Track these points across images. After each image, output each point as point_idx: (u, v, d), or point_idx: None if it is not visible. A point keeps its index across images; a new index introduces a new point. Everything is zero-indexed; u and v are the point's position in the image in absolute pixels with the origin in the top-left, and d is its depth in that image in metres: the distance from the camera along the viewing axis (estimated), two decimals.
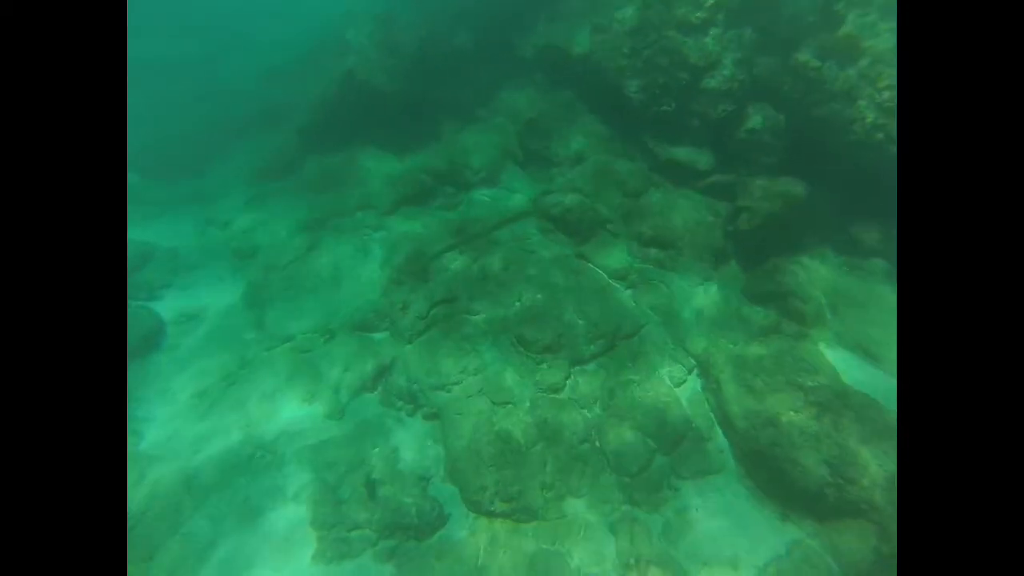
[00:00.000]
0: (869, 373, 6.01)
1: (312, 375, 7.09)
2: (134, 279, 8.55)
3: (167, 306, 8.40)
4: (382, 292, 7.75)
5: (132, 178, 11.65)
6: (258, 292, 8.37)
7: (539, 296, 7.17)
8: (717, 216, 7.95)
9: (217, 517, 5.64)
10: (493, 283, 7.46)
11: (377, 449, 6.38)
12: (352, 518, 5.65)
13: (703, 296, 7.31)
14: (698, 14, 8.17)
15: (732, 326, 6.84)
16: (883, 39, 6.72)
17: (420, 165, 10.03)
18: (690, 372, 6.66)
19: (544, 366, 6.73)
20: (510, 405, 6.47)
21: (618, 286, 7.46)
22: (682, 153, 8.55)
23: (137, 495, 5.82)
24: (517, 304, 7.17)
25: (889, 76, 6.53)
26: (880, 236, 7.09)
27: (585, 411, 6.40)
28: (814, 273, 6.90)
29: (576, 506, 5.71)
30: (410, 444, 6.49)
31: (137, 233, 9.56)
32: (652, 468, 5.89)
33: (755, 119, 8.08)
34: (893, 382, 5.71)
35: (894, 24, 6.67)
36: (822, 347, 6.07)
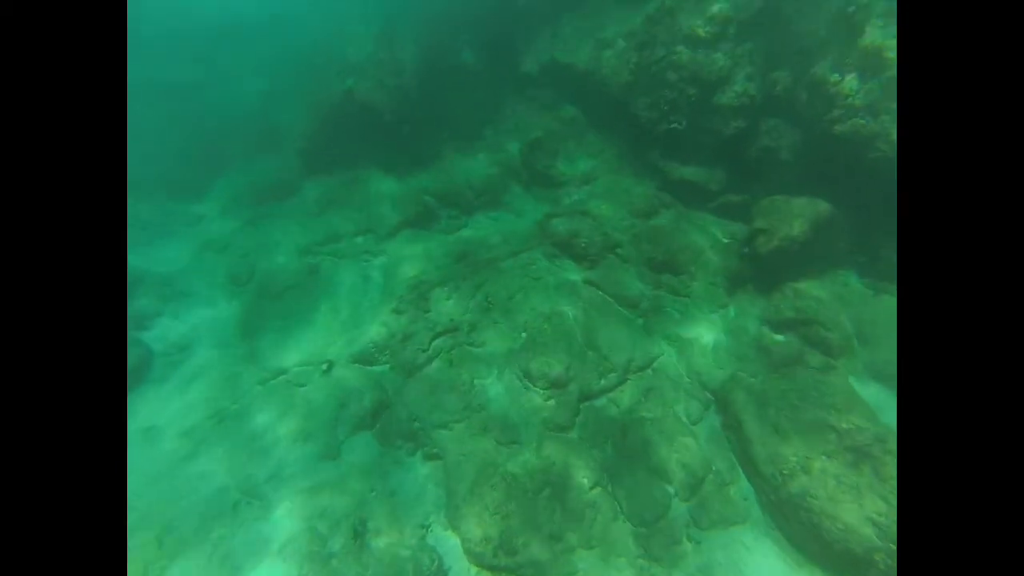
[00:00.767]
0: None
1: (306, 411, 6.70)
2: None
3: (157, 336, 8.07)
4: (382, 322, 7.37)
5: (128, 200, 11.44)
6: (252, 321, 8.03)
7: (546, 326, 6.76)
8: (732, 238, 7.56)
9: None
10: (498, 312, 7.07)
11: (374, 493, 5.96)
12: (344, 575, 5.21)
13: (719, 324, 6.87)
14: (707, 28, 7.86)
15: (751, 357, 6.40)
16: None
17: (422, 186, 9.74)
18: (707, 408, 6.21)
19: (552, 402, 6.31)
20: (516, 445, 6.04)
21: (629, 314, 7.05)
22: (693, 172, 8.19)
23: None
24: (523, 335, 6.76)
25: None
26: None
27: (596, 451, 5.96)
28: (838, 298, 6.45)
29: (587, 560, 5.23)
30: (409, 487, 6.06)
31: (130, 259, 9.28)
32: (670, 516, 5.41)
33: (769, 136, 7.72)
34: None
35: None
36: (852, 381, 5.59)
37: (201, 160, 12.07)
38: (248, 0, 16.43)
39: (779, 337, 6.45)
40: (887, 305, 6.50)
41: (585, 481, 5.67)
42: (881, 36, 6.41)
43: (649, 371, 6.53)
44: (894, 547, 4.37)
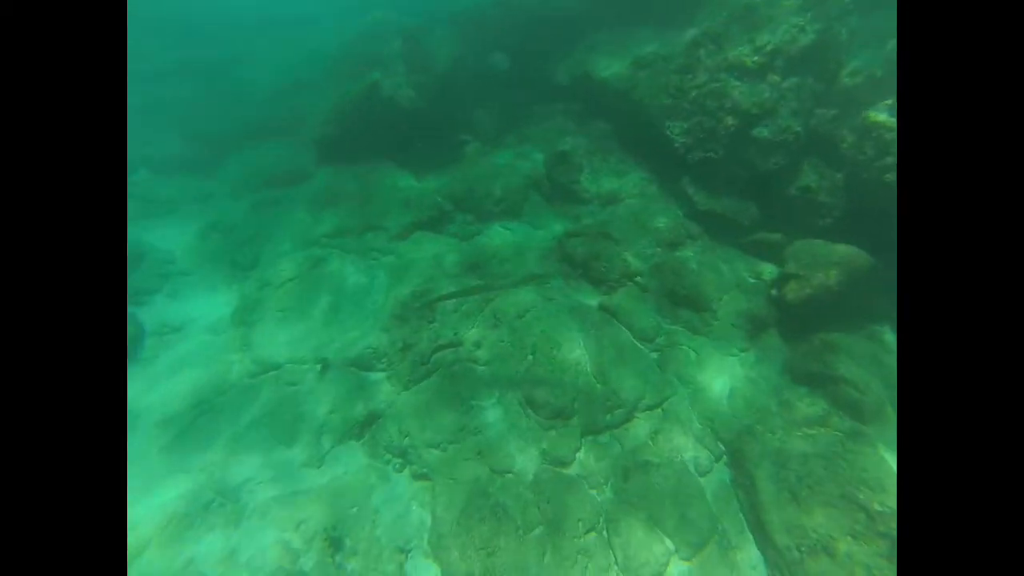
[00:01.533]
0: None
1: (294, 412, 6.36)
2: None
3: (151, 313, 7.79)
4: (383, 327, 7.02)
5: (142, 173, 11.23)
6: (250, 310, 7.71)
7: (555, 351, 6.38)
8: (759, 278, 7.15)
9: None
10: (505, 330, 6.70)
11: (355, 509, 5.59)
12: None
13: (738, 369, 6.46)
14: (755, 58, 7.51)
15: (770, 410, 5.97)
16: None
17: (439, 188, 9.42)
18: (718, 459, 5.79)
19: (553, 433, 5.92)
20: (510, 475, 5.66)
21: (643, 348, 6.66)
22: (724, 204, 7.81)
23: None
24: (530, 358, 6.39)
25: None
26: None
27: (594, 492, 5.56)
28: (872, 358, 6.02)
29: None
30: (393, 505, 5.68)
31: (135, 232, 9.02)
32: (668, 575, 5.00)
33: (810, 176, 7.34)
34: None
35: None
36: (883, 452, 5.15)
37: (218, 139, 11.88)
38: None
39: (803, 391, 6.02)
40: None
41: (580, 524, 5.27)
42: None
43: (659, 411, 6.12)
44: None
